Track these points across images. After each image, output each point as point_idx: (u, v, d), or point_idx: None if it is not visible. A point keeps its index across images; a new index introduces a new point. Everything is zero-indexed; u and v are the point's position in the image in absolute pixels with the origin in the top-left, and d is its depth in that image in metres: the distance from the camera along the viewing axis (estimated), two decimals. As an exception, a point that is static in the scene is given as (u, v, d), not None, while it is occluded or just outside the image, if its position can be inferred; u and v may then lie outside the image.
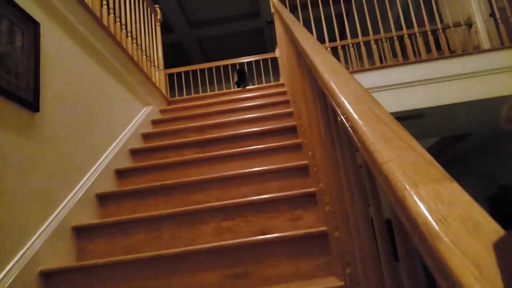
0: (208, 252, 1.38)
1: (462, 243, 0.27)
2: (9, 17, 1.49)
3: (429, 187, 0.35)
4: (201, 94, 3.76)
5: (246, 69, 4.66)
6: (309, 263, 1.34)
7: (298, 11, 3.66)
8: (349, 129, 0.59)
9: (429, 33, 3.33)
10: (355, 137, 0.55)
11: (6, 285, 1.24)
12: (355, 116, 0.55)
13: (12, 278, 1.27)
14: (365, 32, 3.90)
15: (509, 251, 0.22)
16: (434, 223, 0.31)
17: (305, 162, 1.82)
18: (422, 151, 0.42)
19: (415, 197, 0.35)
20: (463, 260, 0.26)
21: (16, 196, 1.38)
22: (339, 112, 0.66)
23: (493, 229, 0.28)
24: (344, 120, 0.62)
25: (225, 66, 6.83)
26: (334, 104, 0.71)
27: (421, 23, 3.66)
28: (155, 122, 2.95)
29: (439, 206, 0.32)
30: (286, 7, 3.51)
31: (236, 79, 4.96)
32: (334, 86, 0.70)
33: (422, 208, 0.33)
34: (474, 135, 4.66)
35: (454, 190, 0.34)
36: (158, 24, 3.73)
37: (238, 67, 4.98)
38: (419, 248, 0.33)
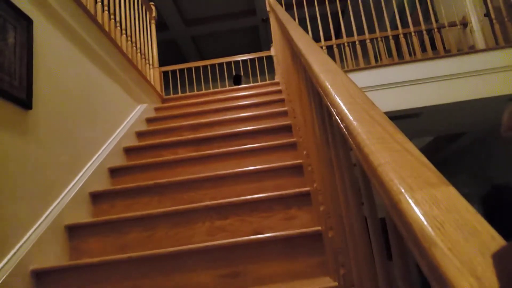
0: (201, 252, 1.37)
1: (459, 251, 0.27)
2: (1, 13, 1.47)
3: (425, 191, 0.35)
4: (196, 92, 3.74)
5: (242, 72, 4.65)
6: (303, 263, 1.34)
7: (293, 10, 3.65)
8: (344, 130, 0.58)
9: (424, 32, 3.34)
10: (350, 138, 0.54)
11: (-2, 284, 1.23)
12: (350, 117, 0.54)
13: (3, 278, 1.25)
14: (360, 31, 3.90)
15: (509, 264, 0.21)
16: (430, 228, 0.30)
17: (300, 161, 1.81)
18: (417, 154, 0.41)
19: (410, 201, 0.34)
20: (461, 268, 0.25)
21: (8, 194, 1.36)
22: (334, 112, 0.65)
23: (491, 235, 0.28)
24: (339, 120, 0.61)
25: (220, 64, 6.81)
26: (329, 104, 0.71)
27: (416, 23, 3.66)
28: (149, 120, 2.93)
29: (435, 211, 0.32)
30: (282, 6, 3.49)
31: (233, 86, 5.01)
32: (329, 86, 0.69)
33: (417, 213, 0.32)
34: (469, 134, 4.69)
35: (450, 195, 0.33)
36: (153, 21, 3.70)
37: (234, 73, 4.99)
38: (415, 253, 0.33)
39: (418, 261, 0.32)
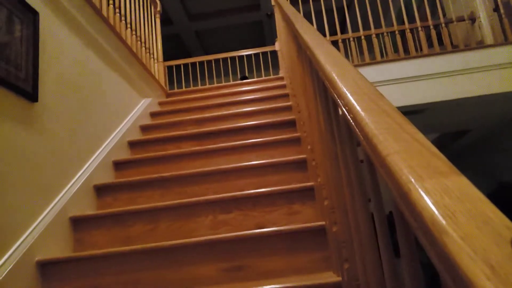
0: (204, 245, 1.37)
1: (473, 240, 0.26)
2: (8, 6, 1.47)
3: (435, 180, 0.34)
4: (200, 87, 3.74)
5: (246, 68, 4.64)
6: (306, 257, 1.33)
7: (299, 4, 3.62)
8: (351, 121, 0.57)
9: (431, 27, 3.30)
10: (357, 130, 0.53)
11: (4, 274, 1.23)
12: (358, 108, 0.53)
13: (9, 268, 1.26)
14: (366, 26, 3.87)
15: None
16: (441, 217, 0.29)
17: (304, 156, 1.80)
18: (427, 144, 0.40)
19: (420, 190, 0.33)
20: (474, 257, 0.25)
21: (14, 186, 1.37)
22: (341, 104, 0.64)
23: (505, 225, 0.27)
24: (345, 112, 0.60)
25: (224, 59, 6.79)
26: (335, 96, 0.70)
27: (423, 18, 3.62)
28: (153, 114, 2.93)
29: (446, 200, 0.31)
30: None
31: None
32: (336, 77, 0.68)
33: (428, 202, 0.31)
34: (474, 131, 4.65)
35: (461, 184, 0.33)
36: (157, 16, 3.69)
37: (241, 75, 4.97)
38: (424, 244, 0.32)
39: (427, 251, 0.31)
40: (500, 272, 0.23)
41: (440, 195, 0.32)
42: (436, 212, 0.30)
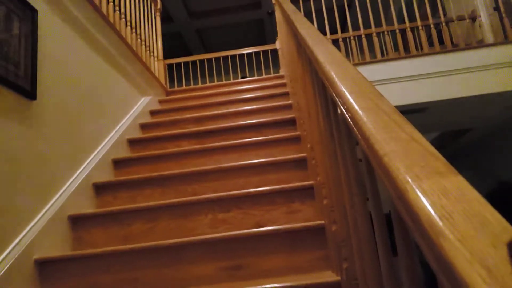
0: (204, 244, 1.37)
1: (469, 241, 0.26)
2: (6, 3, 1.46)
3: (433, 180, 0.33)
4: (200, 85, 3.73)
5: (246, 67, 4.64)
6: (305, 256, 1.33)
7: (299, 2, 3.61)
8: (349, 120, 0.57)
9: (432, 26, 3.29)
10: (355, 129, 0.53)
11: (1, 273, 1.23)
12: (356, 107, 0.53)
13: (7, 266, 1.26)
14: (366, 25, 3.86)
15: None
16: (438, 218, 0.29)
17: (304, 154, 1.80)
18: (425, 143, 0.40)
19: (417, 190, 0.33)
20: (470, 259, 0.24)
21: (12, 184, 1.37)
22: (339, 102, 0.63)
23: (502, 227, 0.26)
24: (344, 111, 0.60)
25: (225, 58, 6.78)
26: (334, 94, 0.69)
27: (424, 16, 3.61)
28: (153, 113, 2.93)
29: (443, 200, 0.31)
30: (288, -2, 3.46)
31: None
32: (334, 76, 0.68)
33: (425, 203, 0.31)
34: (475, 130, 4.65)
35: (459, 184, 0.32)
36: (158, 13, 3.68)
37: (241, 75, 4.96)
38: (421, 245, 0.31)
39: (424, 252, 0.31)
40: (497, 275, 0.23)
41: (437, 195, 0.31)
42: (433, 213, 0.30)
